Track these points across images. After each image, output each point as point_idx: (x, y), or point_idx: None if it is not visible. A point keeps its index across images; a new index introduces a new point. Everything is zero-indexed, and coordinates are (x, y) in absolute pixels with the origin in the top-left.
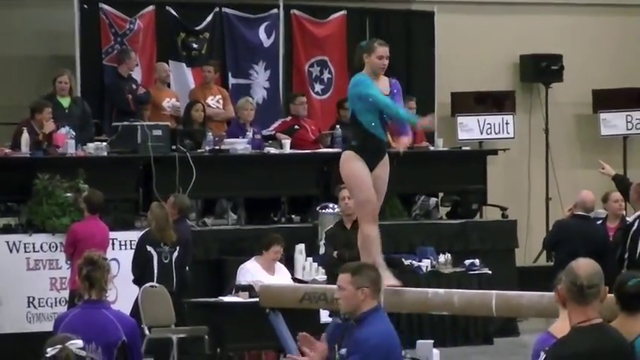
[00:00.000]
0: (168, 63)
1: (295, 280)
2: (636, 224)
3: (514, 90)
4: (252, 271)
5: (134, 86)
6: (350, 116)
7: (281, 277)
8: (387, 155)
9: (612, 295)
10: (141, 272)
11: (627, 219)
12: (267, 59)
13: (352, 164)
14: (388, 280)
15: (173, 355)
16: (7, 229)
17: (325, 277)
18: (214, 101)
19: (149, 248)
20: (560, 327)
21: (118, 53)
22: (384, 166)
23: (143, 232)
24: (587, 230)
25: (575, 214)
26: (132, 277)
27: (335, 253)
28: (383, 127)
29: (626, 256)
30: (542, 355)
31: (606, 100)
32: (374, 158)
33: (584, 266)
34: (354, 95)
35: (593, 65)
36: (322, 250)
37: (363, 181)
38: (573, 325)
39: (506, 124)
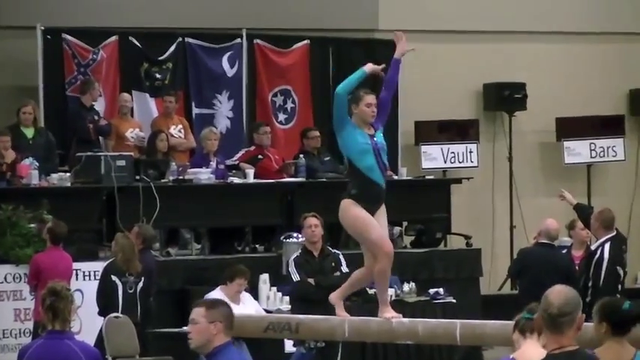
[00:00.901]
0: (131, 93)
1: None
2: (599, 252)
3: (478, 118)
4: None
5: (96, 117)
6: (348, 166)
7: (247, 307)
8: (384, 203)
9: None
10: (105, 302)
11: (591, 247)
12: (231, 89)
13: (354, 210)
14: (388, 312)
15: None
16: None
17: (290, 306)
18: (176, 131)
19: (114, 278)
20: (524, 353)
21: (82, 84)
22: (382, 215)
23: (107, 262)
24: (551, 258)
25: (540, 242)
26: (96, 308)
27: (312, 280)
28: (381, 171)
29: (590, 284)
30: None
31: (570, 128)
32: (373, 205)
33: (558, 294)
34: (343, 141)
35: (556, 93)
36: (295, 278)
37: (369, 222)
38: (547, 353)
39: (470, 152)
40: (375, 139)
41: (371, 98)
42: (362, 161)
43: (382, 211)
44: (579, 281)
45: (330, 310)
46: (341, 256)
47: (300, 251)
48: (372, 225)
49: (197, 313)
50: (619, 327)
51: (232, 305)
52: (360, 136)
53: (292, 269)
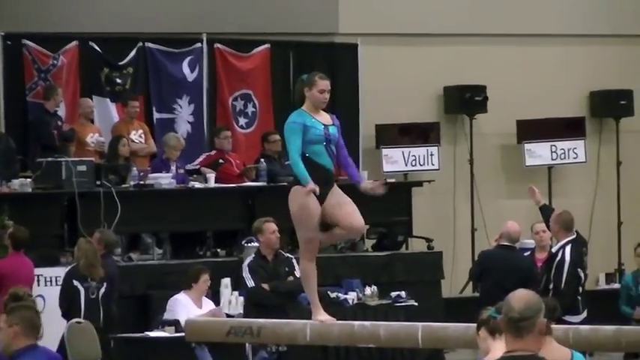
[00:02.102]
0: (92, 98)
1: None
2: (560, 254)
3: (439, 121)
4: (184, 302)
5: (59, 122)
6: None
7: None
8: (335, 184)
9: None
10: (68, 307)
11: (552, 249)
12: (191, 93)
13: (300, 200)
14: (321, 315)
15: None
16: None
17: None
18: (137, 136)
19: (76, 283)
20: (495, 355)
21: (45, 89)
22: (336, 195)
23: (70, 267)
24: (511, 260)
25: (500, 244)
26: (58, 313)
27: (267, 286)
28: (330, 156)
29: (551, 286)
30: None
31: (530, 130)
32: (322, 189)
33: (519, 299)
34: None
35: (517, 96)
36: (250, 283)
37: (309, 219)
38: (502, 355)
39: (431, 155)
40: (329, 129)
41: (324, 84)
42: (309, 148)
43: (335, 192)
44: (540, 283)
45: (285, 315)
46: (294, 261)
47: (253, 256)
48: (310, 225)
49: (1, 318)
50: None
51: (195, 309)
52: (314, 129)
53: (246, 275)
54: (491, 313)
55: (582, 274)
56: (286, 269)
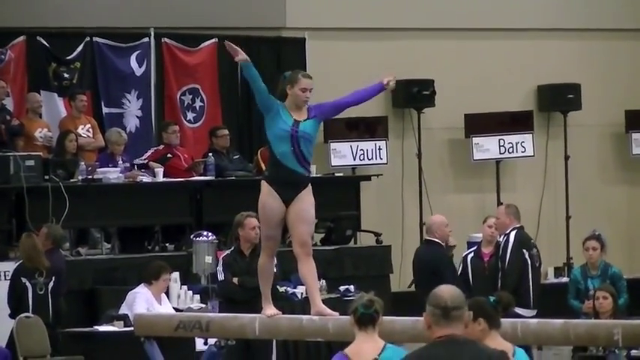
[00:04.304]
0: (39, 93)
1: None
2: (504, 239)
3: (386, 115)
4: (146, 296)
5: (7, 117)
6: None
7: (167, 308)
8: (306, 190)
9: None
10: (16, 305)
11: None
12: (139, 88)
13: (264, 198)
14: (269, 309)
15: None
16: None
17: (201, 304)
18: (84, 130)
19: (24, 280)
20: (355, 349)
21: None
22: (300, 202)
23: (17, 264)
24: (423, 255)
25: (425, 239)
26: (6, 309)
27: (236, 280)
28: (297, 159)
29: (500, 275)
30: None
31: (478, 124)
32: (287, 190)
33: (447, 290)
34: (265, 123)
35: (464, 90)
36: (221, 277)
37: (270, 218)
38: (433, 340)
39: (379, 149)
40: (299, 126)
41: (307, 83)
42: (277, 147)
43: (301, 198)
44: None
45: (254, 310)
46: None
47: (232, 249)
48: (271, 224)
49: None
50: (493, 321)
51: (155, 305)
52: (282, 122)
53: (219, 268)
54: (360, 308)
55: (528, 257)
56: None
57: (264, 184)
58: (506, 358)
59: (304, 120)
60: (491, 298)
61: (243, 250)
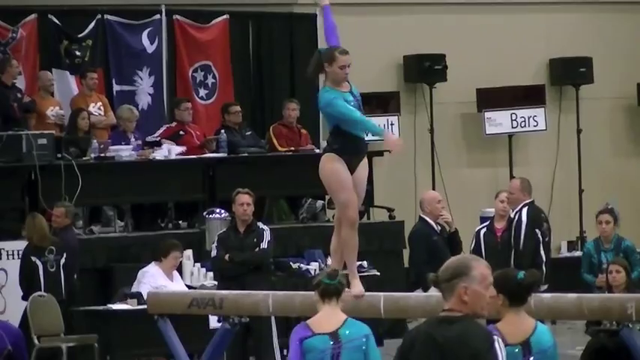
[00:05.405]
0: (51, 71)
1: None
2: (517, 216)
3: (398, 91)
4: (155, 275)
5: (19, 95)
6: (332, 129)
7: (179, 285)
8: (366, 156)
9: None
10: (28, 284)
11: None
12: (151, 65)
13: (333, 165)
14: (356, 288)
15: None
16: None
17: (214, 282)
18: (95, 108)
19: (34, 259)
20: (317, 320)
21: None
22: (363, 168)
23: (25, 245)
24: (416, 232)
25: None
26: (20, 289)
27: (226, 256)
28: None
29: (513, 252)
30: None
31: (490, 98)
32: (354, 158)
33: (446, 262)
34: (329, 115)
35: (476, 64)
36: (214, 253)
37: (344, 182)
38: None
39: (391, 125)
40: (354, 94)
41: (345, 59)
42: (347, 125)
43: (364, 164)
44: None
45: (244, 285)
46: (266, 233)
47: (229, 226)
48: (345, 186)
49: None
50: (515, 297)
51: (167, 282)
52: (346, 101)
53: (214, 245)
54: (323, 279)
55: (540, 236)
56: (254, 240)
57: (330, 155)
58: (489, 342)
59: (350, 89)
60: (520, 274)
61: (238, 227)
